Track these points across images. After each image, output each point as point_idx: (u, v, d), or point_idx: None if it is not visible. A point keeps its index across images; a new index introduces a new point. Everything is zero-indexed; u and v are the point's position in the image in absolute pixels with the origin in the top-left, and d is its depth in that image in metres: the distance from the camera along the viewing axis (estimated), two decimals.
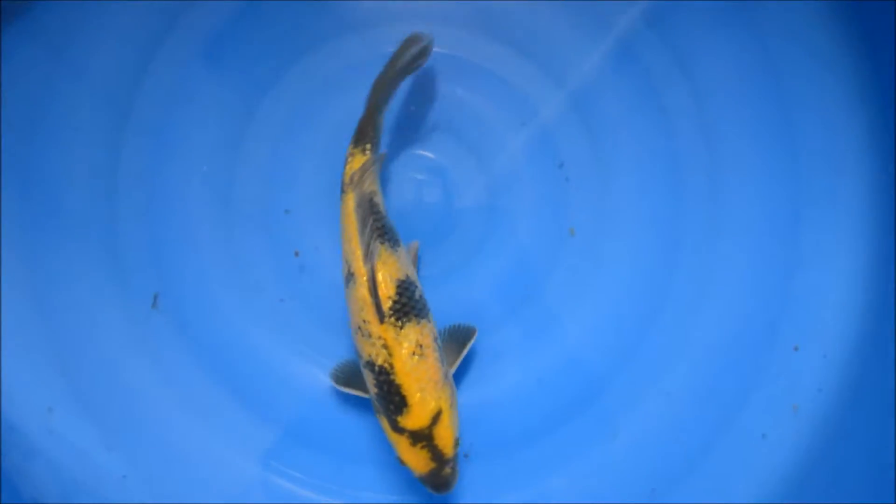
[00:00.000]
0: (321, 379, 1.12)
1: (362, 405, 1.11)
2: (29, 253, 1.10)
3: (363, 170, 0.99)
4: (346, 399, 1.11)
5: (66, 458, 1.09)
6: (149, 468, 1.09)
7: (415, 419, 0.93)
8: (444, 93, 1.14)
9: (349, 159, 1.01)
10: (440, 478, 0.95)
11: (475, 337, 1.04)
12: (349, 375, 1.04)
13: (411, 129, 1.14)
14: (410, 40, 1.04)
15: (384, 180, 1.13)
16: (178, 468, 1.10)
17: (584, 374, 1.12)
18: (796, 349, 1.10)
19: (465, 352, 1.03)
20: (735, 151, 1.13)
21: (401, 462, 0.96)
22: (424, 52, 1.05)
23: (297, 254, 1.13)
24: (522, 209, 1.14)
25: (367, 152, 1.01)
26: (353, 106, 1.06)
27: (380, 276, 0.94)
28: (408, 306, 0.95)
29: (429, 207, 1.14)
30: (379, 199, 1.01)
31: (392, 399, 0.93)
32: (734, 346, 1.11)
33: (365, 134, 1.02)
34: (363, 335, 0.95)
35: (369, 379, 0.96)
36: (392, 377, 0.93)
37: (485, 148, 1.14)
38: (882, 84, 1.08)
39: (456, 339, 1.04)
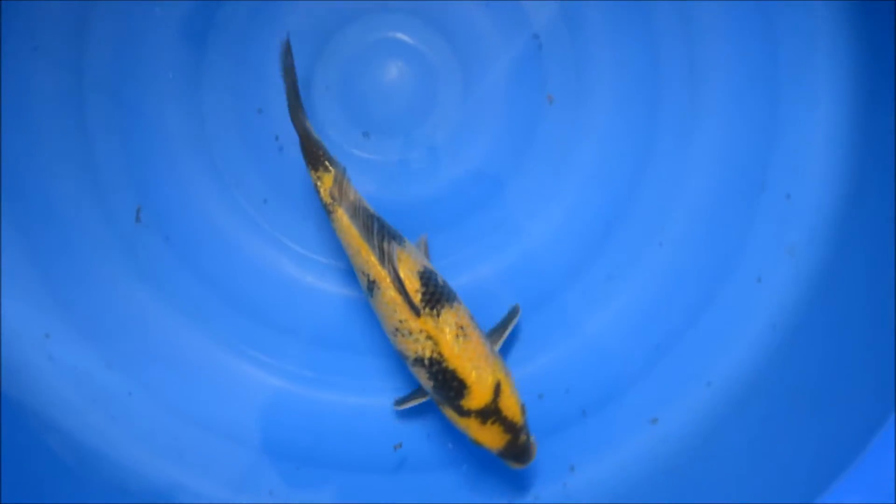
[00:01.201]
0: (311, 277, 1.11)
1: (359, 305, 1.11)
2: (9, 184, 1.08)
3: (338, 183, 0.97)
4: (339, 296, 1.11)
5: (69, 382, 1.08)
6: (153, 382, 1.09)
7: (478, 398, 0.93)
8: None
9: (318, 183, 0.98)
10: (517, 447, 0.95)
11: (518, 315, 1.04)
12: (405, 397, 1.04)
13: (377, 12, 1.11)
14: (286, 51, 0.99)
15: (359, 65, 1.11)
16: (182, 378, 1.10)
17: (578, 237, 1.12)
18: (788, 197, 1.09)
19: (507, 332, 1.03)
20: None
21: (475, 443, 0.96)
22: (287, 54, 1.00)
23: (277, 138, 1.11)
24: (498, 81, 1.12)
25: (330, 167, 0.98)
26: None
27: (402, 273, 0.94)
28: (437, 293, 0.94)
29: (403, 88, 1.12)
30: (367, 203, 0.99)
31: (451, 386, 0.93)
32: (725, 196, 1.10)
33: (314, 154, 0.98)
34: (403, 335, 0.94)
35: (422, 376, 0.96)
36: (444, 365, 0.93)
37: (454, 26, 1.12)
38: None
39: (501, 322, 1.04)
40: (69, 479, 1.04)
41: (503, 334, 1.03)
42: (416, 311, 0.93)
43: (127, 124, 1.10)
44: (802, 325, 1.06)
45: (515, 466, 0.97)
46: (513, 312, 1.05)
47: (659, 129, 1.11)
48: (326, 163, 0.98)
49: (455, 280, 1.10)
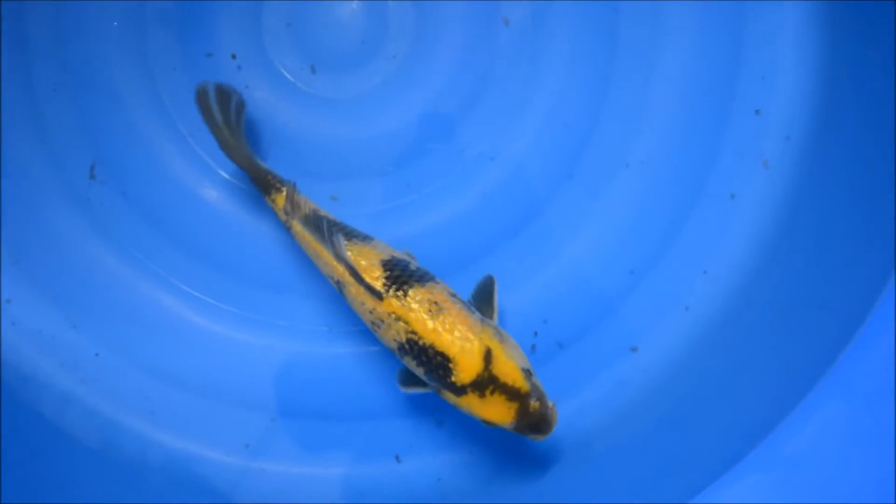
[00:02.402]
0: (275, 225, 1.08)
1: None
2: None
3: (291, 201, 0.96)
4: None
5: (34, 347, 1.06)
6: (120, 341, 1.07)
7: (466, 368, 0.87)
8: None
9: (273, 205, 0.98)
10: (532, 416, 0.87)
11: (496, 283, 0.98)
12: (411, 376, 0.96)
13: None
14: (200, 97, 1.00)
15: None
16: (149, 335, 1.07)
17: (543, 163, 1.08)
18: (758, 112, 1.06)
19: (496, 302, 0.97)
20: None
21: (486, 424, 0.89)
22: (225, 93, 1.02)
23: (233, 56, 1.08)
24: (452, 6, 1.08)
25: (281, 188, 0.98)
26: None
27: (363, 263, 0.91)
28: (403, 276, 0.90)
29: (355, 20, 1.09)
30: (323, 212, 0.98)
31: (436, 362, 0.88)
32: (693, 116, 1.07)
33: (264, 181, 0.99)
34: (378, 327, 0.91)
35: (412, 365, 0.91)
36: (422, 343, 0.88)
37: None
38: None
39: (481, 297, 0.98)
40: (41, 444, 1.02)
41: (493, 308, 0.97)
42: (378, 295, 0.89)
43: (73, 78, 1.07)
44: (780, 241, 1.03)
45: (536, 438, 0.90)
46: (488, 283, 0.99)
47: (621, 44, 1.07)
48: (277, 184, 0.98)
49: (422, 217, 1.08)
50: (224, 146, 1.00)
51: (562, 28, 1.07)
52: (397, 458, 1.04)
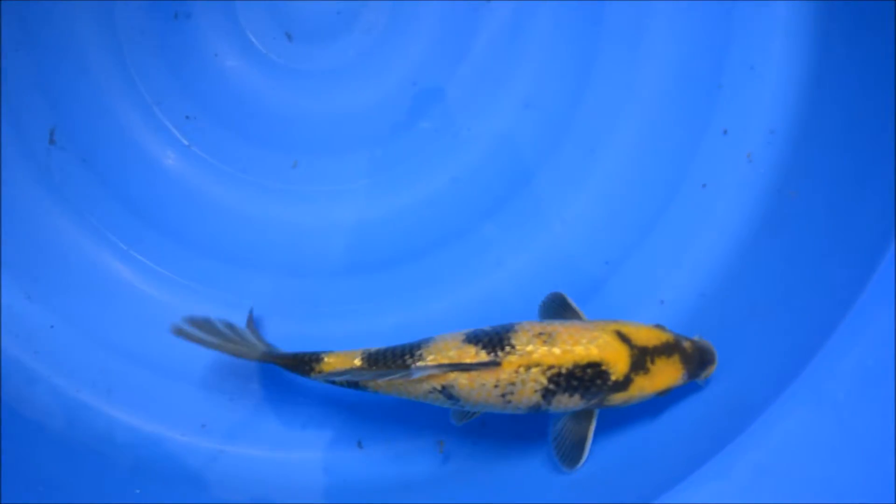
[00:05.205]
0: (238, 198, 1.05)
1: (292, 229, 1.05)
2: None
3: (329, 370, 0.90)
4: (272, 219, 1.05)
5: None
6: (76, 314, 1.03)
7: (619, 359, 0.84)
8: None
9: (321, 376, 0.91)
10: (694, 355, 0.88)
11: (567, 296, 0.95)
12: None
13: None
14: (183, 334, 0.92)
15: None
16: (106, 309, 1.04)
17: (521, 146, 1.05)
18: (741, 106, 1.03)
19: (573, 304, 0.94)
20: None
21: (661, 394, 0.88)
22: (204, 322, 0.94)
23: (175, 16, 1.05)
24: None
25: (321, 358, 0.91)
26: None
27: (452, 354, 0.85)
28: (495, 337, 0.85)
29: None
30: (372, 350, 0.91)
31: (588, 376, 0.84)
32: (676, 104, 1.04)
33: (299, 364, 0.92)
34: (512, 394, 0.84)
35: (570, 402, 0.86)
36: (564, 369, 0.83)
37: None
38: None
39: (556, 306, 0.95)
40: None
41: (577, 311, 0.94)
42: (495, 363, 0.84)
43: (34, 38, 1.03)
44: (757, 237, 1.00)
45: (708, 373, 0.89)
46: (558, 298, 0.95)
47: (607, 24, 1.03)
48: (312, 360, 0.92)
49: (397, 194, 1.05)
50: (239, 355, 0.94)
51: (545, 4, 1.04)
52: (359, 444, 1.02)
